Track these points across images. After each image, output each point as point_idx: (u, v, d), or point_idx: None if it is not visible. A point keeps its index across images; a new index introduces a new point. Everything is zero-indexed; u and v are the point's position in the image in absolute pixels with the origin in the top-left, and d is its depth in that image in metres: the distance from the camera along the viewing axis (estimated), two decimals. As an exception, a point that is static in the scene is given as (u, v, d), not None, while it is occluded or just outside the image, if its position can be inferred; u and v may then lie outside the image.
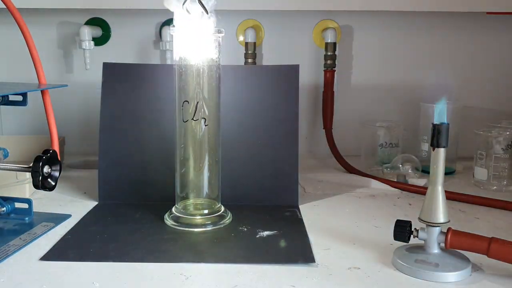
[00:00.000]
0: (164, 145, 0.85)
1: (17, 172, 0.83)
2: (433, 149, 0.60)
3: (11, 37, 1.15)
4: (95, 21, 1.20)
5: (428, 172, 0.62)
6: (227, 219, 0.77)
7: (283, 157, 0.86)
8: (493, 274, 0.61)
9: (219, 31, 0.73)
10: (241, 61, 1.18)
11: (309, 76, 1.23)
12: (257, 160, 0.86)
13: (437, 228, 0.61)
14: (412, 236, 0.63)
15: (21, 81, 0.84)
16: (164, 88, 0.86)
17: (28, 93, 0.73)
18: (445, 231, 0.62)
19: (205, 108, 0.74)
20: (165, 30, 1.15)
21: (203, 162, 0.76)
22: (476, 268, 0.62)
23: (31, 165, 0.67)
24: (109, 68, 0.89)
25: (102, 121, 0.87)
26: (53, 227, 0.74)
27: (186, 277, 0.59)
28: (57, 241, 0.70)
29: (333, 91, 1.18)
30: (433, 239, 0.62)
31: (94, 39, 1.17)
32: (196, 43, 0.72)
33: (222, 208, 0.79)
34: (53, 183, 0.70)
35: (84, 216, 0.79)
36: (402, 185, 0.97)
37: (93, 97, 1.06)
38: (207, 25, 0.71)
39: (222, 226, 0.76)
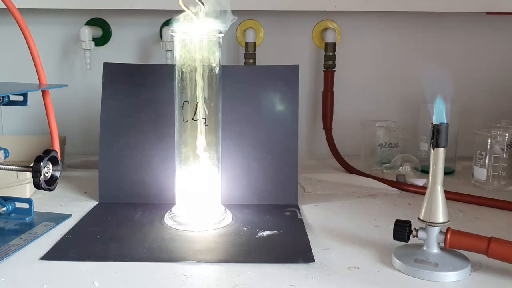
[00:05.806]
0: (164, 145, 0.85)
1: (18, 172, 0.83)
2: (433, 149, 0.60)
3: (12, 37, 1.16)
4: (96, 21, 1.20)
5: (428, 172, 0.62)
6: (227, 219, 0.77)
7: (283, 157, 0.86)
8: (492, 274, 0.61)
9: (219, 32, 0.73)
10: (241, 61, 1.18)
11: (309, 76, 1.23)
12: (257, 160, 0.86)
13: (437, 228, 0.61)
14: (411, 236, 0.63)
15: (22, 81, 0.84)
16: (164, 88, 0.86)
17: (29, 93, 0.74)
18: (445, 231, 0.62)
19: (205, 108, 0.74)
20: (166, 30, 1.15)
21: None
22: (475, 268, 0.62)
23: (31, 165, 0.68)
24: (109, 68, 0.89)
25: (102, 121, 0.87)
26: (54, 227, 0.75)
27: (186, 277, 0.59)
28: (57, 241, 0.70)
29: (333, 91, 1.18)
30: (433, 239, 0.62)
31: (94, 39, 1.17)
32: (197, 43, 0.72)
33: (222, 208, 0.79)
34: (54, 183, 0.70)
35: (84, 216, 0.80)
36: (402, 185, 0.97)
37: (93, 97, 1.07)
38: (207, 25, 0.71)
39: (222, 226, 0.76)
